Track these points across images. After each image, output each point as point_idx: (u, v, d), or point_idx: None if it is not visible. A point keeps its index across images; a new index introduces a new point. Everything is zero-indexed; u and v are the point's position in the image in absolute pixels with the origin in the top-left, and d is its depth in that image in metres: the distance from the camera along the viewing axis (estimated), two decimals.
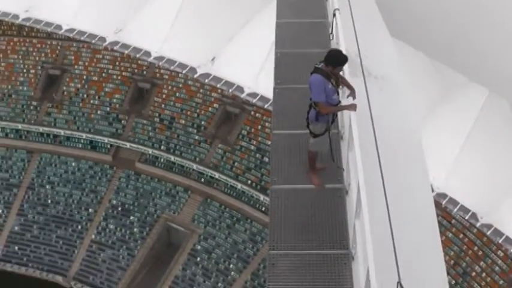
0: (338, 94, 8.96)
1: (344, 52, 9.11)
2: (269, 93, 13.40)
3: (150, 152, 41.15)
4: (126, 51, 31.02)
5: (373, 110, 8.63)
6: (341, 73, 9.17)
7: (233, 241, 38.03)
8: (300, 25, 13.63)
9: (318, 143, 9.29)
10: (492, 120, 26.27)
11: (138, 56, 31.14)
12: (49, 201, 41.85)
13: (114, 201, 41.22)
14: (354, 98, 8.94)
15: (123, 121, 42.13)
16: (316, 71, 8.84)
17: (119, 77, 42.99)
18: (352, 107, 8.61)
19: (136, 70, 42.79)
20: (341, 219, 8.65)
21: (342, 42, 9.91)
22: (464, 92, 26.24)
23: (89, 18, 30.92)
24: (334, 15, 11.36)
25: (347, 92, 9.21)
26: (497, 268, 30.75)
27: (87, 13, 31.02)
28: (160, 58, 30.07)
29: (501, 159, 26.12)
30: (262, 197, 37.22)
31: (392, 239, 6.70)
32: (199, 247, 38.55)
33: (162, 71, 41.51)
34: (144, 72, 42.63)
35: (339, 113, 9.76)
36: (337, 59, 8.80)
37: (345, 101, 9.25)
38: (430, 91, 26.54)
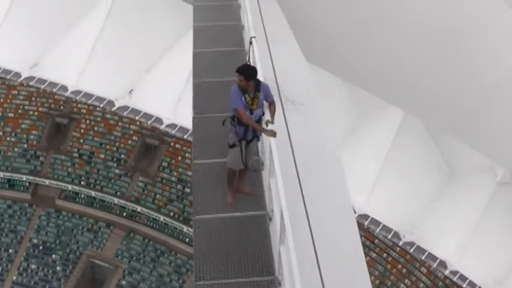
0: (251, 113, 8.96)
1: (258, 72, 9.22)
2: (188, 123, 13.33)
3: (70, 188, 40.24)
4: (42, 86, 30.37)
5: (292, 135, 8.68)
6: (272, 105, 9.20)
7: (158, 274, 37.53)
8: (217, 54, 13.63)
9: (230, 157, 9.30)
10: (408, 140, 26.97)
11: (54, 90, 30.53)
12: None
13: (35, 240, 39.99)
14: (272, 123, 8.95)
15: (41, 158, 41.10)
16: (236, 83, 8.98)
17: (36, 113, 41.97)
18: (271, 133, 8.62)
19: (53, 105, 41.90)
20: (266, 246, 8.60)
21: (259, 69, 9.95)
22: (380, 115, 26.86)
23: (3, 54, 30.18)
24: (250, 42, 11.41)
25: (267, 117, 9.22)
26: (421, 285, 31.46)
27: (1, 48, 30.26)
28: (77, 92, 29.58)
29: (419, 178, 26.81)
30: (185, 228, 36.97)
31: (318, 262, 6.70)
32: (124, 282, 37.87)
33: (79, 105, 40.80)
34: (62, 107, 41.80)
35: (261, 141, 9.74)
36: (245, 68, 8.97)
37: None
38: (347, 115, 27.09)
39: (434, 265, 26.19)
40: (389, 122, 26.88)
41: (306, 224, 7.17)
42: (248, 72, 8.89)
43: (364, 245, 30.46)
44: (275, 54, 10.57)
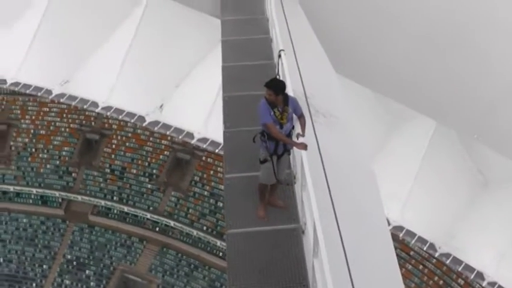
0: (281, 128, 9.00)
1: (288, 85, 9.29)
2: (219, 138, 13.38)
3: (102, 204, 40.53)
4: (73, 103, 30.69)
5: (323, 147, 8.70)
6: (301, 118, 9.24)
7: None
8: (246, 67, 13.72)
9: (263, 172, 9.34)
10: (441, 150, 26.71)
11: (85, 107, 30.82)
12: (1, 259, 40.76)
13: (69, 256, 40.33)
14: (303, 136, 8.98)
15: (73, 174, 41.50)
16: (265, 97, 9.00)
17: (67, 129, 42.45)
18: (302, 146, 8.64)
19: (84, 121, 42.34)
20: (299, 259, 8.62)
21: (288, 82, 10.00)
22: (412, 125, 26.65)
23: (34, 71, 30.60)
24: (279, 56, 11.47)
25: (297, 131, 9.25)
26: None
27: (31, 65, 30.70)
28: (108, 108, 29.82)
29: (453, 188, 26.50)
30: (218, 242, 36.93)
31: (350, 275, 6.71)
32: None
33: (110, 121, 41.18)
34: (93, 123, 42.23)
35: (292, 155, 9.78)
36: (274, 82, 9.06)
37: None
38: (378, 126, 26.88)
39: (472, 276, 25.79)
40: (421, 132, 26.62)
41: (339, 236, 7.18)
42: (277, 86, 8.96)
43: (399, 257, 30.18)
44: (303, 66, 10.62)
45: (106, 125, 41.83)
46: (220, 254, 37.04)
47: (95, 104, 30.09)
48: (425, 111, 21.12)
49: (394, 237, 23.96)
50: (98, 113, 36.21)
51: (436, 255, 26.40)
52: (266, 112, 8.90)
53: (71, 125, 42.51)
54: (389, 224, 24.39)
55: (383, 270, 8.64)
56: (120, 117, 29.99)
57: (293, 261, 8.64)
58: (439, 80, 18.23)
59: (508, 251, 25.03)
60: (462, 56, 17.28)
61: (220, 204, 37.58)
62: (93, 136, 42.08)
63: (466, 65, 17.30)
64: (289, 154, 9.52)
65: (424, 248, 26.52)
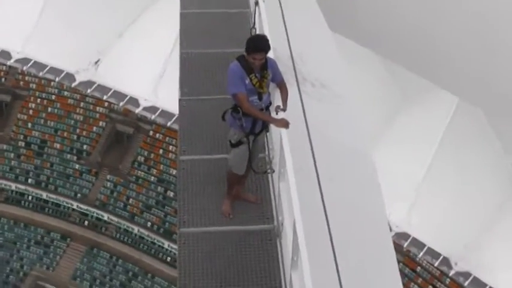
0: (260, 99, 8.97)
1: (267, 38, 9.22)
2: (173, 107, 13.35)
3: (12, 188, 40.38)
4: None
5: (311, 126, 8.73)
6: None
7: None
8: (212, 16, 13.71)
9: (234, 158, 9.32)
10: (464, 135, 26.71)
11: None
12: None
13: None
14: (284, 110, 8.99)
15: None
16: (238, 58, 8.95)
17: None
18: (282, 123, 8.64)
19: None
20: (272, 271, 8.70)
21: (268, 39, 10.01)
22: (428, 101, 26.68)
23: None
24: (256, 3, 11.46)
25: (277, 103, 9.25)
26: None
27: None
28: (25, 61, 29.68)
29: (477, 186, 26.51)
30: (166, 243, 36.99)
31: None
32: None
33: (27, 78, 40.77)
34: (3, 79, 41.86)
35: (269, 133, 9.81)
36: (251, 41, 9.00)
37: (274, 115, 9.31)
38: (384, 101, 26.95)
39: None
40: (438, 111, 26.69)
41: (328, 243, 7.26)
42: (252, 43, 8.92)
43: (402, 274, 30.36)
44: (289, 19, 10.64)
45: (21, 84, 41.44)
46: (168, 259, 37.11)
47: (6, 54, 29.90)
48: (446, 85, 21.28)
49: (397, 248, 24.11)
50: (10, 67, 36.05)
51: (451, 273, 26.62)
52: (238, 79, 8.81)
53: None
54: (391, 229, 24.58)
55: None
56: (41, 73, 29.93)
57: (264, 273, 8.71)
58: (467, 46, 18.38)
59: None
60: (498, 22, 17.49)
61: (170, 193, 37.62)
62: (2, 97, 41.71)
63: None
64: (268, 131, 9.52)
65: (436, 264, 26.77)
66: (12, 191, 40.51)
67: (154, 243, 37.76)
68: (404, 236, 25.95)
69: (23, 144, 40.81)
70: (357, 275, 7.87)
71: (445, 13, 17.80)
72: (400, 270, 19.05)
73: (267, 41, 8.91)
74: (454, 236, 26.10)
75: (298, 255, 7.30)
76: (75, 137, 40.21)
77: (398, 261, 18.61)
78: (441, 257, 26.25)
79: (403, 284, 12.08)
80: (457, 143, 26.52)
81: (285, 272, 8.53)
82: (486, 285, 25.69)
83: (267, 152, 10.17)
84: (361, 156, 10.63)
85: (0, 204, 40.59)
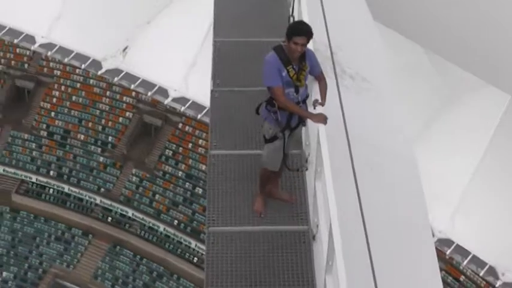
0: (297, 92, 8.95)
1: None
2: (204, 99, 13.35)
3: (33, 180, 40.66)
4: None
5: (349, 122, 8.71)
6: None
7: None
8: (248, 3, 13.71)
9: (268, 154, 9.29)
10: None
11: (16, 41, 30.86)
12: None
13: None
14: (322, 104, 8.97)
15: None
16: (275, 48, 8.92)
17: None
18: (320, 118, 8.61)
19: (13, 62, 42.28)
20: (306, 275, 8.70)
21: None
22: (477, 99, 26.48)
23: None
24: None
25: (315, 97, 9.23)
26: None
27: None
28: (50, 46, 29.85)
29: None
30: (194, 243, 37.07)
31: None
32: None
33: (52, 64, 41.08)
34: (26, 65, 42.15)
35: (304, 128, 9.79)
36: (294, 24, 9.07)
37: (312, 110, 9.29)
38: (429, 97, 26.80)
39: None
40: (488, 109, 26.50)
41: (365, 246, 7.23)
42: (292, 29, 8.88)
43: (445, 283, 30.15)
44: (330, 8, 10.61)
45: (45, 70, 41.74)
46: (195, 259, 37.22)
47: (30, 39, 30.08)
48: (497, 82, 21.08)
49: (439, 255, 23.96)
50: (35, 52, 36.29)
51: (498, 284, 26.38)
52: (274, 71, 8.74)
53: None
54: (433, 235, 24.42)
55: None
56: (66, 60, 30.05)
57: (297, 276, 8.70)
58: None
59: None
60: None
61: (199, 190, 37.69)
62: (25, 84, 42.01)
63: None
64: (304, 125, 9.49)
65: (481, 273, 26.53)
66: (32, 183, 40.84)
67: (180, 243, 37.87)
68: (447, 242, 25.78)
69: (45, 134, 41.15)
70: (395, 283, 7.84)
71: (500, 5, 17.62)
72: (443, 279, 18.99)
73: (310, 27, 8.88)
74: (502, 243, 25.88)
75: (333, 260, 7.30)
76: (100, 127, 40.47)
77: (441, 269, 18.46)
78: (487, 266, 26.03)
79: None
80: (507, 144, 26.31)
81: (318, 276, 8.53)
82: None
83: (303, 149, 10.16)
84: (403, 157, 10.58)
85: (20, 197, 40.97)
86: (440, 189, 24.56)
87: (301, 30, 8.71)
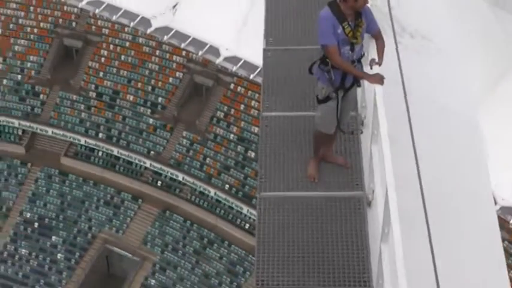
0: (352, 50, 8.85)
1: None
2: (257, 58, 13.27)
3: (82, 142, 41.05)
4: None
5: (408, 83, 8.61)
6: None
7: (203, 273, 38.04)
8: None
9: (322, 115, 9.21)
10: None
11: None
12: None
13: (28, 214, 41.06)
14: (379, 64, 8.88)
15: (41, 95, 41.91)
16: (330, 4, 8.78)
17: (35, 30, 42.66)
18: (376, 79, 8.53)
19: (61, 21, 42.49)
20: (360, 243, 8.65)
21: None
22: None
23: None
24: None
25: (371, 56, 9.14)
26: None
27: None
28: (97, 3, 29.97)
29: None
30: (245, 208, 37.20)
31: (436, 271, 6.71)
32: (153, 282, 38.51)
33: (100, 22, 41.26)
34: (74, 23, 42.36)
35: (361, 91, 9.71)
36: None
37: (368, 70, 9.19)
38: (494, 57, 26.44)
39: None
40: None
41: (422, 214, 7.15)
42: None
43: (507, 254, 29.92)
44: None
45: (93, 28, 41.94)
46: (247, 225, 37.36)
47: None
48: None
49: (502, 224, 23.80)
50: (82, 10, 36.45)
51: None
52: (329, 28, 8.63)
53: (41, 24, 42.64)
54: (496, 203, 24.24)
55: (483, 269, 8.63)
56: (114, 18, 30.17)
57: (351, 245, 8.66)
58: None
59: None
60: None
61: (251, 154, 37.73)
62: (73, 43, 42.28)
63: None
64: (359, 86, 9.39)
65: None
66: (81, 145, 41.29)
67: (232, 208, 38.07)
68: (510, 210, 25.54)
69: (93, 95, 41.47)
70: (453, 254, 7.75)
71: None
72: (505, 249, 18.84)
73: None
74: None
75: (389, 228, 7.23)
76: (149, 88, 40.66)
77: (503, 239, 18.36)
78: None
79: (508, 266, 11.87)
80: None
81: (373, 244, 8.47)
82: None
83: (358, 110, 10.07)
84: (466, 120, 10.44)
85: (69, 160, 41.47)
86: (505, 154, 24.30)
87: None
